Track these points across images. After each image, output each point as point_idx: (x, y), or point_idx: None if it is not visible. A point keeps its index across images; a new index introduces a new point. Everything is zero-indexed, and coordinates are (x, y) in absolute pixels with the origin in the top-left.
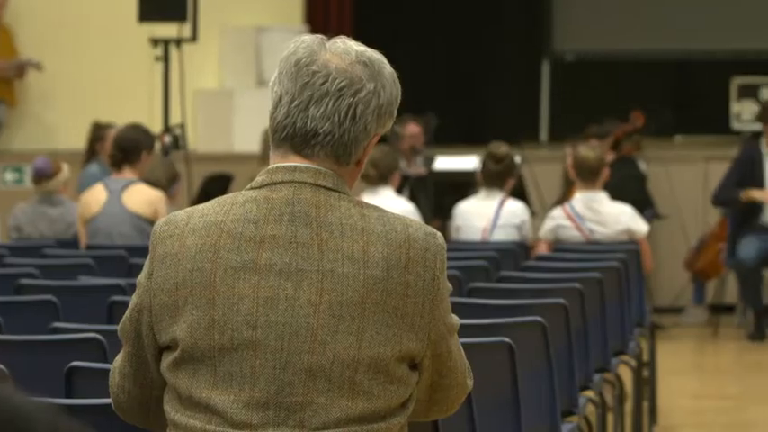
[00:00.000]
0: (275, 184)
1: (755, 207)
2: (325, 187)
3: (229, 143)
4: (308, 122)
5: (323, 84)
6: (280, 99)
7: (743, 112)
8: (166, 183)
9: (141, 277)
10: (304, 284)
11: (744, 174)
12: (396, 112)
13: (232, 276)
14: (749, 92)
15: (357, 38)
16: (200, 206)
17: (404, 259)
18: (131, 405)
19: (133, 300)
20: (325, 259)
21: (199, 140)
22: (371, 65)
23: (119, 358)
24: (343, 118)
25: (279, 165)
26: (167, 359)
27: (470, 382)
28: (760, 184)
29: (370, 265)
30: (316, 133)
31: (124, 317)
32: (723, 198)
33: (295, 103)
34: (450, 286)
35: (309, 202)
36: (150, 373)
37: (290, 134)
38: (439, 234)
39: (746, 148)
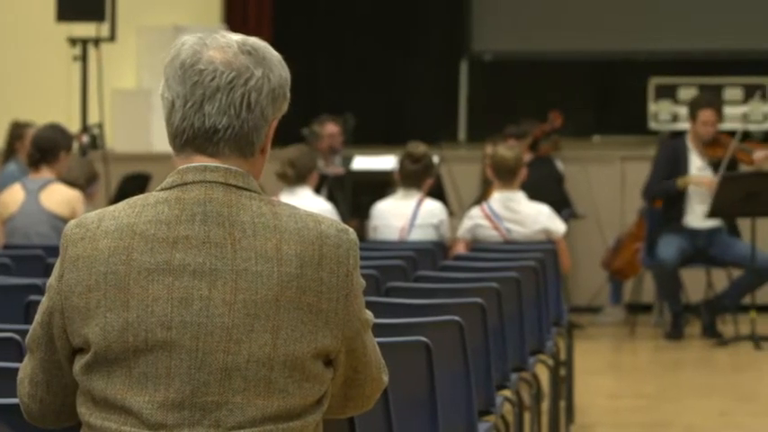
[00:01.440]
0: (186, 184)
1: (677, 208)
2: (236, 186)
3: (147, 143)
4: (206, 121)
5: (212, 80)
6: (172, 104)
7: (660, 113)
8: (84, 182)
9: (52, 280)
10: (218, 284)
11: (671, 169)
12: (289, 94)
13: (146, 278)
14: (666, 92)
15: (276, 38)
16: (111, 208)
17: (317, 256)
18: (44, 413)
19: (43, 304)
20: (238, 258)
21: (116, 140)
22: (256, 52)
23: (26, 367)
24: (239, 109)
25: (189, 165)
26: (80, 362)
27: (386, 378)
28: (684, 176)
29: (284, 263)
30: (216, 130)
31: (34, 323)
32: (657, 190)
33: (189, 104)
34: (363, 282)
35: (221, 201)
36: (64, 378)
37: (190, 136)
38: (351, 230)
39: (671, 144)
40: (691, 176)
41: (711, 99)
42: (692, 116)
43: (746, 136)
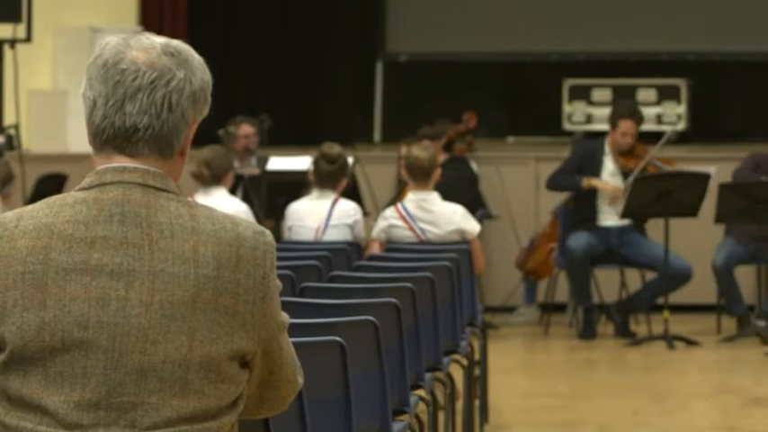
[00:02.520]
0: (105, 184)
1: (589, 209)
2: (154, 187)
3: (63, 143)
4: (127, 120)
5: (134, 80)
6: (94, 103)
7: (574, 114)
8: (0, 183)
9: None
10: (135, 285)
11: (582, 166)
12: (210, 98)
13: (63, 278)
14: (580, 93)
15: (191, 40)
16: (29, 207)
17: (234, 258)
18: None
19: None
20: (155, 259)
21: (33, 141)
22: (178, 54)
23: None
24: (160, 109)
25: (108, 166)
26: None
27: (301, 380)
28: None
29: (201, 265)
30: (136, 129)
31: None
32: (560, 182)
33: (110, 103)
34: (279, 284)
35: (139, 202)
36: None
37: (110, 135)
38: (268, 232)
39: (588, 144)
40: (597, 180)
41: (633, 109)
42: (613, 124)
43: (661, 136)
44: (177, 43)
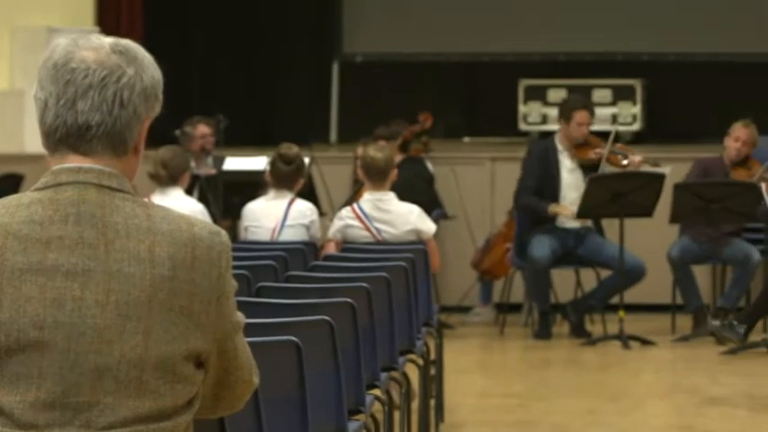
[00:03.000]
0: (60, 185)
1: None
2: (109, 188)
3: (20, 144)
4: (79, 117)
5: (84, 78)
6: (45, 104)
7: (530, 114)
8: None
9: None
10: (91, 285)
11: (542, 171)
12: (161, 95)
13: (19, 278)
14: (536, 94)
15: (148, 40)
16: None
17: (189, 258)
18: None
19: None
20: (111, 260)
21: None
22: (127, 52)
23: None
24: (112, 106)
25: (63, 166)
26: None
27: (256, 380)
28: (557, 180)
29: (157, 265)
30: (89, 126)
31: None
32: (529, 205)
33: (61, 102)
34: (235, 284)
35: (95, 202)
36: None
37: (63, 134)
38: (223, 232)
39: (541, 146)
40: (561, 207)
41: (586, 101)
42: (566, 117)
43: (617, 137)
44: (126, 42)
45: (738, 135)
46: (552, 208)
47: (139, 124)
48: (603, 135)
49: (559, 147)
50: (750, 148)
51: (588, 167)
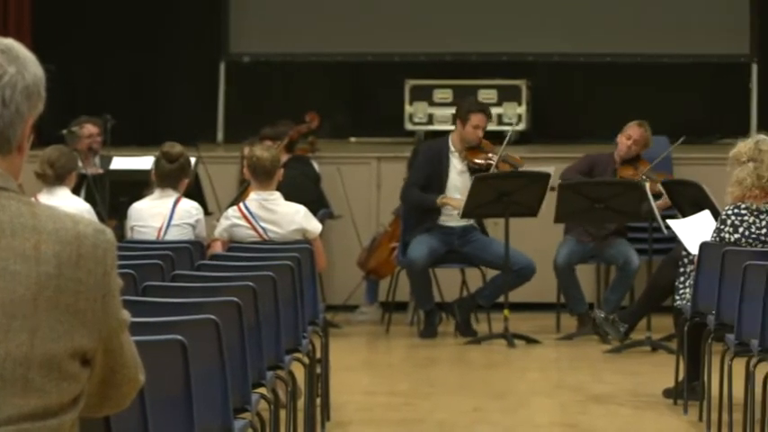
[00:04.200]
0: None
1: (432, 209)
2: None
3: None
4: None
5: None
6: None
7: (416, 114)
8: None
9: None
10: None
11: (431, 171)
12: (44, 93)
13: None
14: (422, 94)
15: (35, 40)
16: None
17: (75, 256)
18: None
19: None
20: None
21: None
22: (8, 51)
23: None
24: None
25: None
26: None
27: (142, 378)
28: (444, 180)
29: (42, 263)
30: None
31: None
32: (416, 200)
33: None
34: (120, 282)
35: None
36: None
37: None
38: (109, 230)
39: (432, 145)
40: (448, 197)
41: (484, 105)
42: (463, 119)
43: (501, 136)
44: (8, 41)
45: (631, 133)
46: (440, 199)
47: (23, 123)
48: (491, 135)
49: (452, 147)
50: (641, 147)
51: (477, 171)
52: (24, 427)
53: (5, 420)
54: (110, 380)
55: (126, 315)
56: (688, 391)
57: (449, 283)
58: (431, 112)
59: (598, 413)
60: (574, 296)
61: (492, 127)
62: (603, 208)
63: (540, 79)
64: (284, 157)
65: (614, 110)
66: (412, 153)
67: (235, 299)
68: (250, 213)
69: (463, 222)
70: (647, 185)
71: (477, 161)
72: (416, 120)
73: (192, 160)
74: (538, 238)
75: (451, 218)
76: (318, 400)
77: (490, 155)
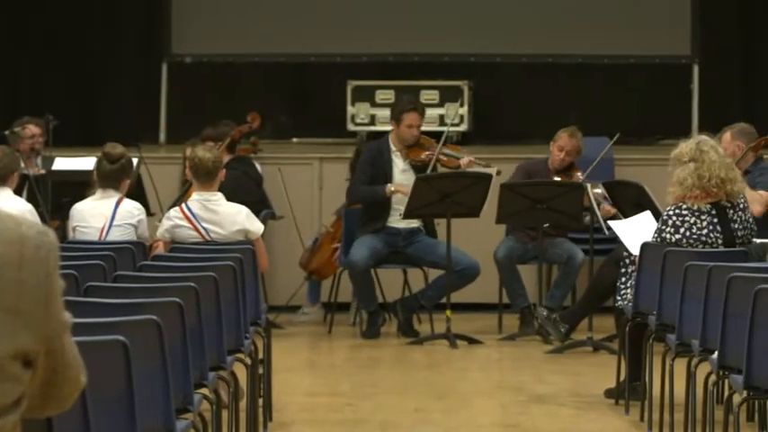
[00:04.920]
0: None
1: (378, 210)
2: None
3: None
4: None
5: None
6: None
7: (358, 114)
8: None
9: None
10: None
11: (375, 171)
12: None
13: None
14: (364, 94)
15: None
16: None
17: (17, 257)
18: None
19: None
20: None
21: None
22: None
23: None
24: None
25: None
26: None
27: (84, 378)
28: (389, 179)
29: None
30: None
31: None
32: (362, 195)
33: None
34: (63, 283)
35: None
36: None
37: None
38: (51, 231)
39: (373, 146)
40: (397, 184)
41: (416, 103)
42: (397, 119)
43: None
44: None
45: (562, 144)
46: (389, 188)
47: None
48: (433, 135)
49: (393, 147)
50: (574, 156)
51: (420, 168)
52: None
53: None
54: (52, 381)
55: (68, 316)
56: (629, 391)
57: (391, 283)
58: (373, 113)
59: (539, 413)
60: (515, 290)
61: (434, 128)
62: (545, 209)
63: (481, 80)
64: (226, 158)
65: (556, 110)
66: (354, 154)
67: (176, 299)
68: (192, 214)
69: (409, 224)
70: (589, 187)
71: (418, 158)
72: (359, 120)
73: (134, 161)
74: (481, 238)
75: (397, 219)
76: (261, 401)
77: (430, 151)
